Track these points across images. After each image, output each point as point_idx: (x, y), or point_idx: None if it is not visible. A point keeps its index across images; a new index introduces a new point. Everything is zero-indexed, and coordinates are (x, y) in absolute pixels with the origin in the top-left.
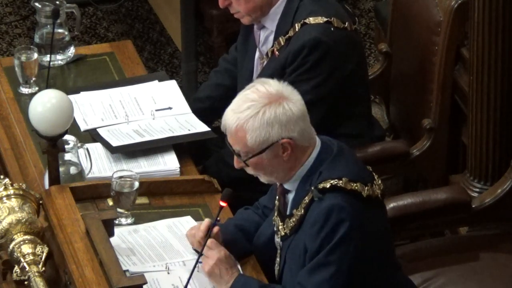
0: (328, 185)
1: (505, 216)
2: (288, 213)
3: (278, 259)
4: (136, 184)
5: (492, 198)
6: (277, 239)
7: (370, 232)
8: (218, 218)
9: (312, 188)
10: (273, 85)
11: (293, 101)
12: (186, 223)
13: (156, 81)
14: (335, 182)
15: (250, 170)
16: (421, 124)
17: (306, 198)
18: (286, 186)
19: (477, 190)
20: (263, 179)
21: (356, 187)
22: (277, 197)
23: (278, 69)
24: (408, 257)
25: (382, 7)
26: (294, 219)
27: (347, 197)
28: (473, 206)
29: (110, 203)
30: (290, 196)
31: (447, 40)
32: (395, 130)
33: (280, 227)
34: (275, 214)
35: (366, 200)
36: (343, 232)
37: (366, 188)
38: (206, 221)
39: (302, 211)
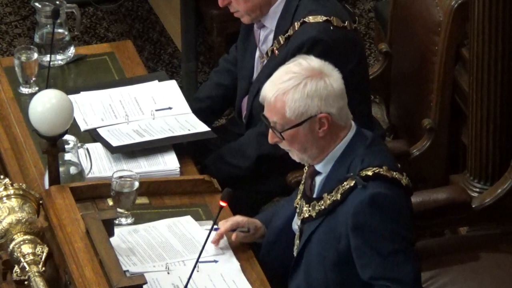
0: (370, 173)
1: (505, 216)
2: (315, 195)
3: (297, 241)
4: (136, 184)
5: (492, 198)
6: (298, 222)
7: (409, 218)
8: (216, 226)
9: (353, 174)
10: (315, 61)
11: (334, 78)
12: (186, 223)
13: (156, 81)
14: (377, 170)
15: (284, 145)
16: (421, 124)
17: (346, 184)
18: (318, 168)
19: (477, 190)
20: (295, 156)
21: (396, 175)
22: (302, 181)
23: None
24: None
25: (382, 7)
26: (324, 203)
27: (389, 185)
28: (473, 206)
29: (110, 203)
30: (318, 179)
31: (447, 40)
32: (395, 130)
33: (304, 208)
34: (299, 197)
35: (405, 188)
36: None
37: (403, 177)
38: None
39: (339, 196)
